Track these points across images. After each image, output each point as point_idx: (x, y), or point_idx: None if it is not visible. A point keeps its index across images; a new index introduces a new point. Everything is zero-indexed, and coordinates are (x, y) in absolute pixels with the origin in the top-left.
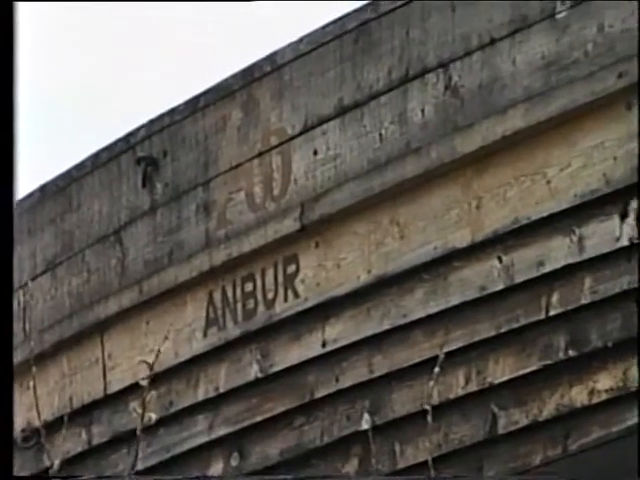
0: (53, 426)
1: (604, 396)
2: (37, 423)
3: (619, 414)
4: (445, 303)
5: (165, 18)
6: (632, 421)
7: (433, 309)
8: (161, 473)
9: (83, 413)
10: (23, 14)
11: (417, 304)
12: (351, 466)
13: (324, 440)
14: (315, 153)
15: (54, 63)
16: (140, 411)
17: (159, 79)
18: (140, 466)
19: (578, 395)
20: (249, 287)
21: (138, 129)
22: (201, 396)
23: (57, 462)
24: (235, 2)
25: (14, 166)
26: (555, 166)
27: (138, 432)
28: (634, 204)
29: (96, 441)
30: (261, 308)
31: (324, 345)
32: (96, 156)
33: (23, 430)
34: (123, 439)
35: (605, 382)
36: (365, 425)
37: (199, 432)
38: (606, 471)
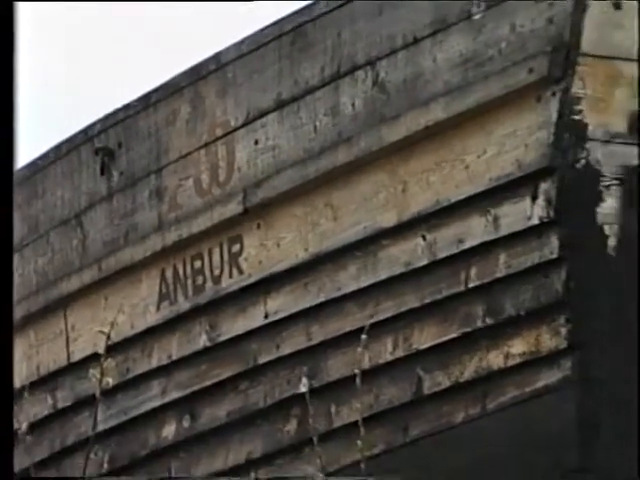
0: (21, 392)
1: (518, 359)
2: None
3: (532, 375)
4: (375, 277)
5: (165, 18)
6: (543, 382)
7: (364, 283)
8: (119, 434)
9: (49, 380)
10: (23, 14)
11: (350, 279)
12: (291, 425)
13: (267, 402)
14: (256, 143)
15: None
16: (99, 377)
17: (159, 79)
18: (100, 427)
19: (495, 359)
20: (198, 265)
21: (95, 123)
22: (155, 363)
23: (25, 424)
24: (235, 2)
25: (13, 166)
26: (472, 153)
27: (97, 396)
28: (544, 186)
29: (60, 405)
30: (209, 284)
31: (266, 316)
32: (58, 147)
33: None
34: (85, 403)
35: (519, 347)
36: (303, 388)
37: (154, 396)
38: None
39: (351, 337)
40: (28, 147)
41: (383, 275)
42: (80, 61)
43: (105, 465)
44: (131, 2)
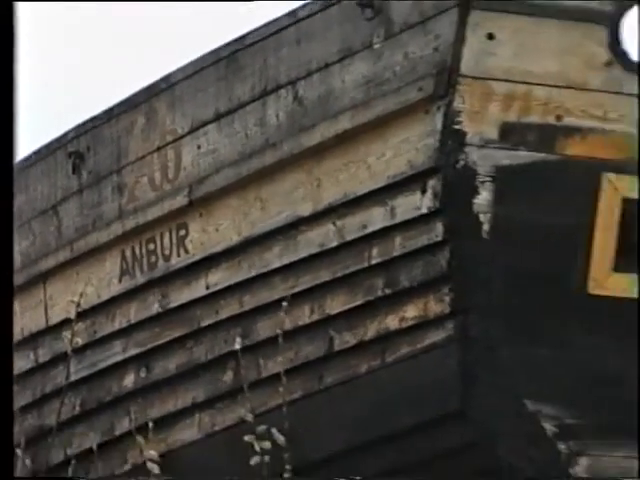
0: None
1: (411, 322)
2: None
3: (422, 335)
4: (295, 256)
5: (164, 18)
6: (431, 340)
7: (286, 261)
8: (88, 383)
9: (31, 340)
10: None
11: (275, 257)
12: (227, 376)
13: (208, 357)
14: (199, 148)
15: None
16: (70, 337)
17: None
18: (73, 378)
19: (392, 322)
20: (151, 246)
21: (69, 131)
22: (117, 326)
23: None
24: (235, 2)
25: (13, 165)
26: (373, 156)
27: (69, 353)
28: (431, 183)
29: (41, 360)
30: (160, 262)
31: (207, 288)
32: (38, 151)
33: None
34: (60, 358)
35: (411, 312)
36: (237, 346)
37: (116, 352)
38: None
39: (276, 305)
40: (29, 144)
41: (302, 254)
42: (80, 60)
43: (77, 408)
44: (131, 2)
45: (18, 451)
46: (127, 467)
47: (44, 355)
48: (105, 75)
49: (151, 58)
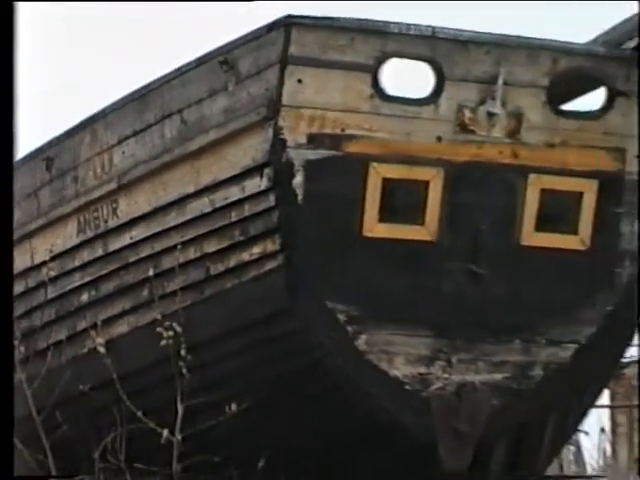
0: None
1: (256, 256)
2: None
3: (263, 264)
4: (184, 218)
5: (164, 18)
6: (269, 267)
7: (180, 221)
8: (59, 300)
9: (23, 274)
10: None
11: (172, 219)
12: (145, 292)
13: (132, 281)
14: (123, 153)
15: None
16: (47, 272)
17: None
18: (50, 296)
19: (245, 256)
20: (96, 214)
21: (44, 144)
22: (76, 264)
23: None
24: (235, 2)
25: (13, 165)
26: (231, 155)
27: (46, 281)
28: (267, 171)
29: (29, 286)
30: (102, 224)
31: (131, 239)
32: (24, 157)
33: None
34: (41, 285)
35: (256, 250)
36: (151, 273)
37: (75, 280)
38: None
39: (173, 248)
40: (30, 141)
41: (188, 217)
42: (80, 59)
43: (52, 315)
44: (132, 2)
45: (15, 342)
46: (85, 350)
47: (31, 283)
48: (107, 76)
49: (150, 58)
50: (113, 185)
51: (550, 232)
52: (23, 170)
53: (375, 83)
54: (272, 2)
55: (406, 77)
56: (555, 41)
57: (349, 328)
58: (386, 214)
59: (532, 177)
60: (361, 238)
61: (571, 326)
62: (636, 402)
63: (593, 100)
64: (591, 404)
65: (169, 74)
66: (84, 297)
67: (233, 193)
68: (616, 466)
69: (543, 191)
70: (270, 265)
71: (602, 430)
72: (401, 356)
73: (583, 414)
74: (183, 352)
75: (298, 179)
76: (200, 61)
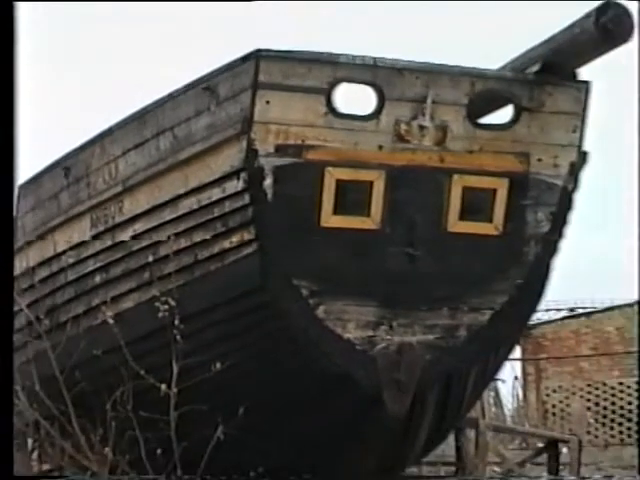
0: (34, 269)
1: (235, 244)
2: None
3: (241, 250)
4: (176, 214)
5: (165, 18)
6: (246, 252)
7: (173, 216)
8: (77, 282)
9: (47, 262)
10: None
11: (167, 214)
12: (146, 275)
13: (136, 266)
14: (127, 162)
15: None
16: (69, 260)
17: (157, 78)
18: (69, 279)
19: (226, 244)
20: (106, 212)
21: (63, 155)
22: (90, 253)
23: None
24: (235, 2)
25: (15, 167)
26: (213, 162)
27: (66, 267)
28: (243, 175)
29: (53, 270)
30: (110, 220)
31: (134, 231)
32: (47, 167)
33: None
34: (62, 271)
35: (235, 239)
36: (150, 259)
37: (90, 266)
38: None
39: (167, 239)
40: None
41: (180, 213)
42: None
43: (71, 294)
44: (132, 2)
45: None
46: (97, 322)
47: (54, 268)
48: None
49: (150, 58)
50: (119, 188)
51: (470, 221)
52: (46, 178)
53: (328, 103)
54: (272, 2)
55: (353, 98)
56: (472, 68)
57: (311, 300)
58: (339, 208)
59: (455, 177)
60: (319, 228)
61: (488, 296)
62: (543, 355)
63: (503, 115)
64: (505, 358)
65: (162, 98)
66: (97, 279)
67: (215, 193)
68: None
69: (464, 188)
70: (246, 251)
71: (515, 378)
72: (352, 322)
73: (499, 366)
74: (177, 322)
75: (268, 181)
76: (187, 87)
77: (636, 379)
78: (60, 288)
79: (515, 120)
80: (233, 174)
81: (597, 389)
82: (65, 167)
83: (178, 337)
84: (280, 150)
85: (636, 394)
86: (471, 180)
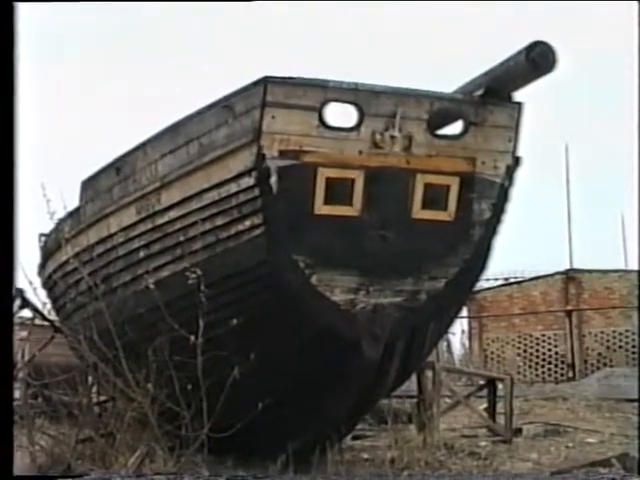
0: (93, 246)
1: (248, 227)
2: None
3: (252, 232)
4: (198, 205)
5: (164, 18)
6: (256, 233)
7: (195, 207)
8: (123, 257)
9: (101, 241)
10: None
11: (193, 205)
12: (177, 252)
13: (171, 244)
14: (164, 163)
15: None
16: (120, 239)
17: (158, 77)
18: (119, 255)
19: (241, 227)
20: (148, 202)
21: (116, 158)
22: (136, 233)
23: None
24: (235, 2)
25: (16, 171)
26: (231, 164)
27: (117, 244)
28: (254, 173)
29: (104, 249)
30: (151, 208)
31: (169, 217)
32: (103, 167)
33: None
34: (114, 247)
35: (247, 223)
36: (182, 239)
37: (135, 243)
38: None
39: (193, 224)
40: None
41: (199, 205)
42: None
43: (121, 266)
44: (134, 2)
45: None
46: (141, 287)
47: (108, 246)
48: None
49: (150, 58)
50: (157, 184)
51: (430, 210)
52: (102, 175)
53: (320, 118)
54: (272, 2)
55: (339, 114)
56: (432, 91)
57: (306, 271)
58: (328, 200)
59: (419, 176)
60: (313, 215)
61: (443, 268)
62: (484, 314)
63: (455, 128)
64: (455, 315)
65: (192, 114)
66: (141, 254)
67: (232, 188)
68: (471, 354)
69: (426, 185)
70: (256, 232)
71: (462, 332)
72: (338, 288)
73: (451, 322)
74: (202, 287)
75: (273, 179)
76: (211, 105)
77: (554, 332)
78: (112, 261)
79: (464, 132)
80: (246, 173)
81: (525, 340)
82: (117, 167)
83: (203, 299)
84: (283, 154)
85: (554, 343)
86: (431, 178)
